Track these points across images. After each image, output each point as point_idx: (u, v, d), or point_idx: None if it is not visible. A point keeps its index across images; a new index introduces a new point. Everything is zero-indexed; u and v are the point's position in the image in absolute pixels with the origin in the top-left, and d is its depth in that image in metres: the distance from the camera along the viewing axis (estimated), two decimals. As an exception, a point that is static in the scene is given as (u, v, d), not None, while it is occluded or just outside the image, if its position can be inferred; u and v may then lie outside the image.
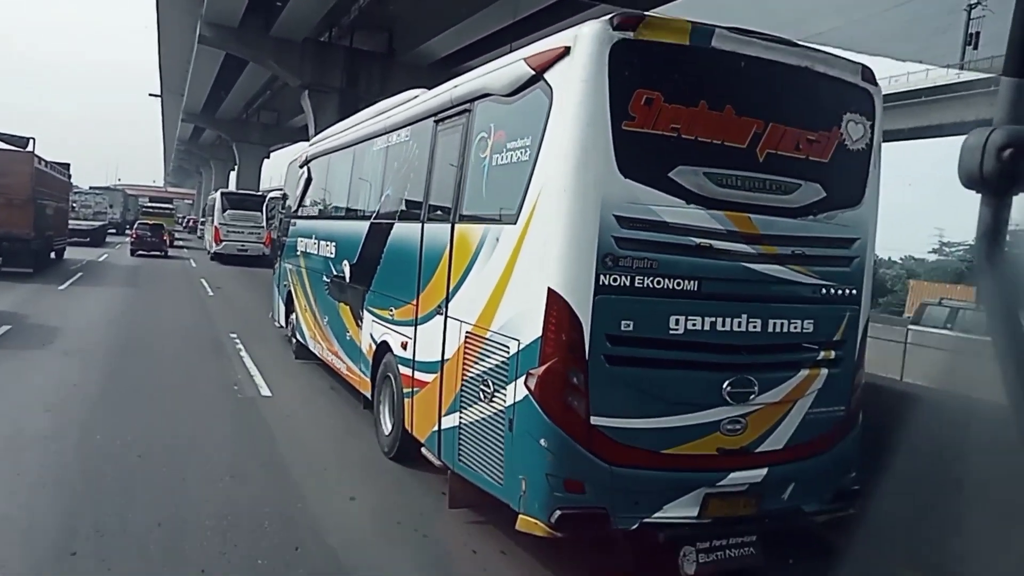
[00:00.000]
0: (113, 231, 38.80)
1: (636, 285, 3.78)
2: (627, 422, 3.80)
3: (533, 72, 4.11)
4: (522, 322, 3.96)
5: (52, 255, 22.10)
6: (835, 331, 4.33)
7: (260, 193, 30.33)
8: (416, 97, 6.17)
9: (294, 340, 10.13)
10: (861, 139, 4.32)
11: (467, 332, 4.58)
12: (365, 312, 6.77)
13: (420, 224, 5.54)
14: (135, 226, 30.12)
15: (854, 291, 4.37)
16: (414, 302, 5.51)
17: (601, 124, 3.73)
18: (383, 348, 6.24)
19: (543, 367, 3.75)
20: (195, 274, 23.08)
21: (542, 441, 3.76)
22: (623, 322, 3.78)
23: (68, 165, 24.44)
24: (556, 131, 3.87)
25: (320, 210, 9.08)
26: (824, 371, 4.29)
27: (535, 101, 4.10)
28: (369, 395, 6.67)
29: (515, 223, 4.11)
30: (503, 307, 4.19)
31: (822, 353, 4.29)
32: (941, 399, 5.65)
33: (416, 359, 5.46)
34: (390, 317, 6.08)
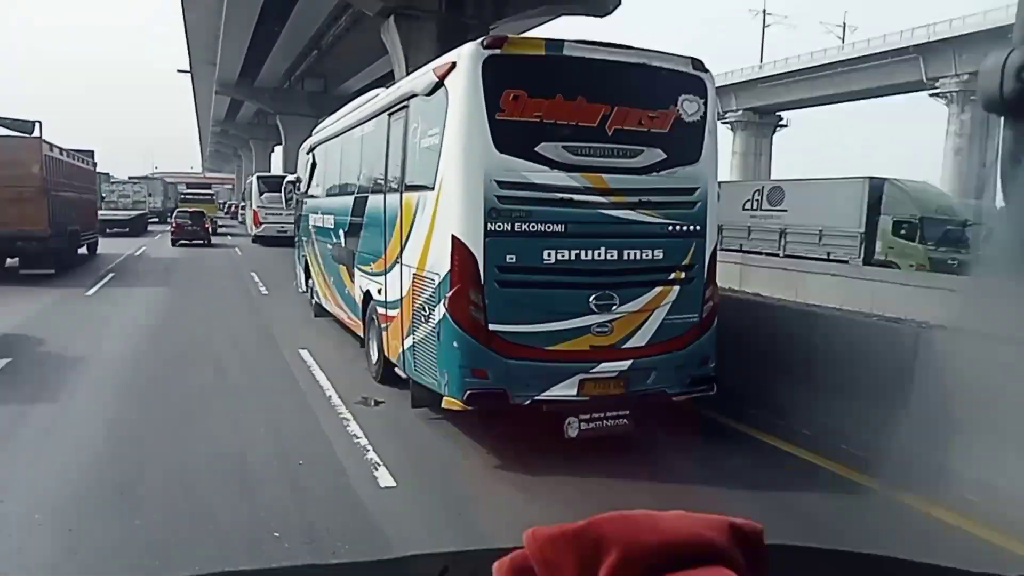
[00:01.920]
0: (155, 220, 39.16)
1: (516, 229, 5.26)
2: (517, 327, 5.31)
3: (438, 79, 5.58)
4: (441, 261, 5.49)
5: (84, 250, 20.75)
6: (684, 257, 5.74)
7: (294, 175, 30.49)
8: (378, 96, 7.68)
9: (313, 301, 11.86)
10: (696, 113, 5.69)
11: (413, 274, 6.13)
12: (356, 270, 8.37)
13: (383, 195, 7.08)
14: (174, 215, 28.94)
15: (698, 227, 5.77)
16: (383, 257, 7.07)
17: (479, 115, 5.19)
18: (368, 296, 7.84)
19: (452, 291, 5.29)
20: (243, 265, 21.26)
21: (455, 343, 5.31)
22: (507, 256, 5.27)
23: (92, 152, 22.93)
24: (452, 121, 5.35)
25: (322, 189, 10.70)
26: (677, 287, 5.72)
27: (440, 100, 5.57)
28: (362, 335, 8.31)
29: (433, 189, 5.61)
30: (431, 252, 5.72)
31: (673, 274, 5.72)
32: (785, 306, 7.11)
33: (387, 300, 7.04)
34: (371, 271, 7.67)
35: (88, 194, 21.70)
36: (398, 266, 6.57)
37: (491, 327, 5.29)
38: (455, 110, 5.30)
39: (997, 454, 4.56)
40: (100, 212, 25.96)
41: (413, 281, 6.12)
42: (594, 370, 5.50)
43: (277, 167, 48.76)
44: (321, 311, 11.26)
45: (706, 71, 5.78)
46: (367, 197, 7.85)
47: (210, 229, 28.64)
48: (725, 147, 48.73)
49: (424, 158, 5.96)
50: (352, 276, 8.59)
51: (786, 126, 51.05)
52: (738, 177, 46.85)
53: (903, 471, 4.39)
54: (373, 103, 7.75)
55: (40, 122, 16.33)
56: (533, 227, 5.30)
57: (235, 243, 29.55)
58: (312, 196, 11.52)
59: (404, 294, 6.40)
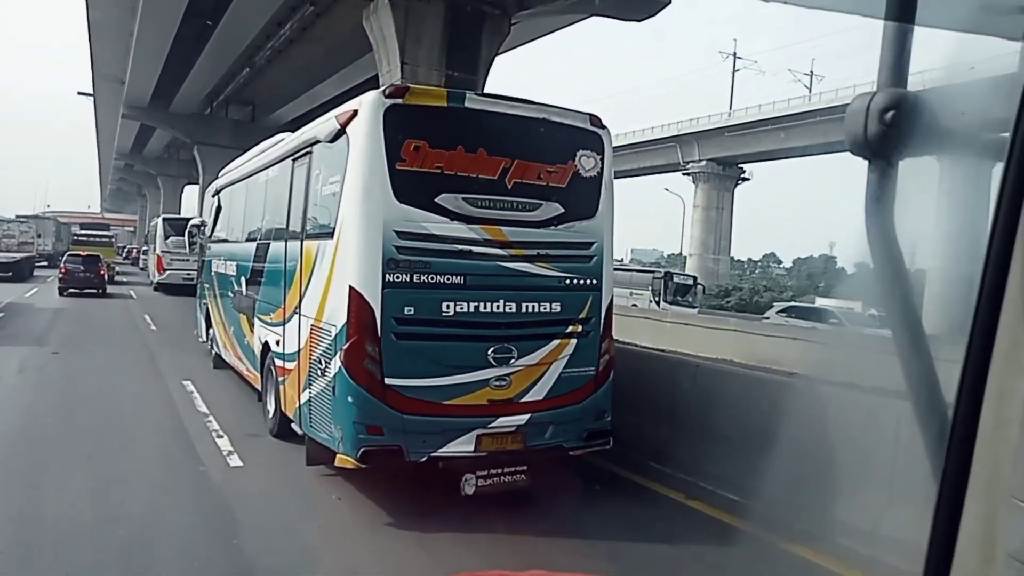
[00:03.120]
0: (44, 263, 35.77)
1: (414, 280, 5.21)
2: (414, 381, 5.21)
3: (339, 126, 5.54)
4: (338, 312, 5.35)
5: None
6: (580, 311, 5.81)
7: (198, 219, 27.65)
8: (282, 140, 7.56)
9: (212, 351, 11.34)
10: (593, 168, 5.85)
11: (311, 325, 5.95)
12: (256, 319, 8.07)
13: (284, 242, 6.90)
14: (63, 259, 24.64)
15: (595, 280, 5.87)
16: (282, 306, 6.85)
17: (380, 164, 5.16)
18: (266, 347, 7.55)
19: (348, 343, 5.15)
20: (137, 312, 20.02)
21: (350, 398, 5.14)
22: (406, 307, 5.19)
23: None
24: (352, 169, 5.30)
25: (225, 234, 10.36)
26: (574, 341, 5.76)
27: (341, 147, 5.53)
28: (259, 388, 7.97)
29: (332, 238, 5.50)
30: (328, 302, 5.58)
31: (570, 327, 5.77)
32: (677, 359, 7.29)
33: (285, 352, 6.79)
34: (270, 320, 7.41)
35: None
36: (297, 316, 6.37)
37: (387, 381, 5.17)
38: (356, 158, 5.25)
39: (858, 498, 4.75)
40: None
41: (311, 332, 5.94)
42: (492, 425, 5.43)
43: (189, 207, 45.69)
44: (221, 362, 10.78)
45: (603, 127, 5.97)
46: (269, 244, 7.64)
47: (106, 276, 24.95)
48: (687, 200, 49.07)
49: (325, 206, 5.86)
50: (252, 326, 8.28)
51: (748, 179, 48.70)
52: (700, 232, 47.42)
53: (779, 517, 4.52)
54: (279, 147, 7.62)
55: None
56: (432, 278, 5.26)
57: (133, 292, 26.73)
58: (216, 241, 11.14)
59: (302, 346, 6.20)
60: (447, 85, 11.55)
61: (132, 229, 69.16)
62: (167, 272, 26.25)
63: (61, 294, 22.97)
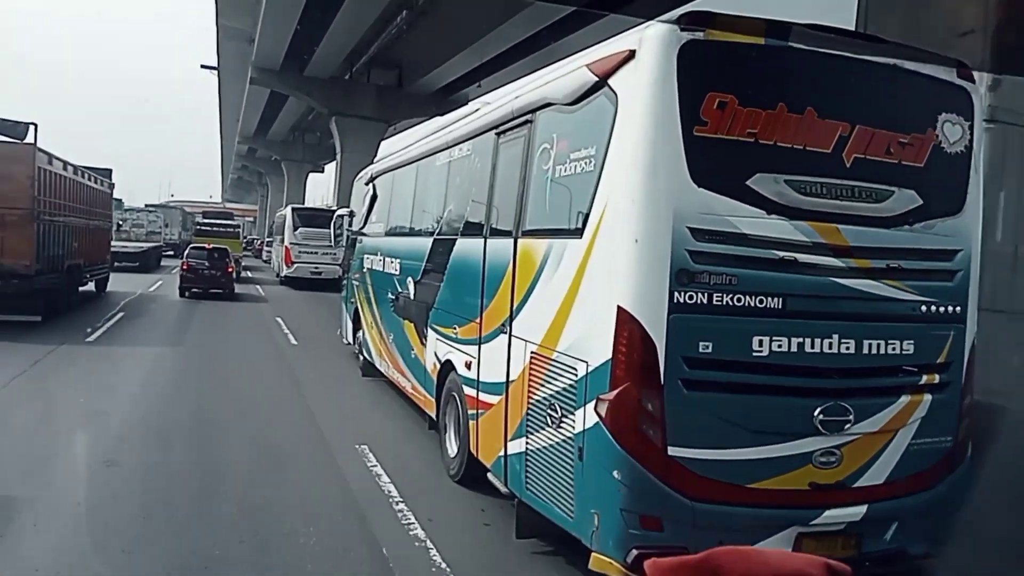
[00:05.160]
0: (170, 253, 34.52)
1: (714, 303, 3.49)
2: (709, 453, 3.50)
3: (596, 78, 3.88)
4: (590, 343, 3.72)
5: (92, 286, 17.69)
6: (939, 353, 3.91)
7: (333, 209, 23.00)
8: (477, 111, 6.02)
9: (361, 357, 10.14)
10: (959, 141, 3.91)
11: (532, 352, 4.37)
12: (429, 330, 6.64)
13: (483, 239, 5.37)
14: (186, 253, 20.40)
15: (958, 308, 3.94)
16: (478, 320, 5.33)
17: (671, 130, 3.46)
18: (447, 367, 6.09)
19: (614, 392, 3.49)
20: (269, 316, 16.80)
21: (615, 473, 3.50)
22: (701, 343, 3.49)
23: (109, 172, 19.16)
24: (623, 139, 3.63)
25: (385, 227, 9.06)
26: (927, 397, 3.87)
27: (599, 108, 3.87)
28: (434, 415, 6.52)
29: (580, 237, 3.88)
30: (570, 326, 3.96)
31: (924, 377, 3.88)
32: None
33: (480, 379, 5.27)
34: (454, 335, 5.93)
35: (100, 221, 18.21)
36: (503, 336, 4.82)
37: (671, 451, 3.48)
38: (632, 121, 3.58)
39: None
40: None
41: (533, 362, 4.35)
42: (815, 520, 3.64)
43: (313, 196, 46.53)
44: (371, 370, 9.53)
45: (973, 81, 4.01)
46: (453, 240, 6.15)
47: (233, 274, 21.00)
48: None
49: (561, 192, 4.24)
50: (423, 337, 6.86)
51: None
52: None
53: None
54: (470, 120, 6.09)
55: (35, 124, 12.06)
56: (739, 301, 3.53)
57: (261, 289, 23.88)
58: (369, 234, 9.89)
59: (513, 376, 4.64)
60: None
61: (252, 219, 68.52)
62: (295, 265, 24.73)
63: (182, 294, 19.31)
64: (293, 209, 26.85)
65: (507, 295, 4.80)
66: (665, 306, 3.44)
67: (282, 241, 26.94)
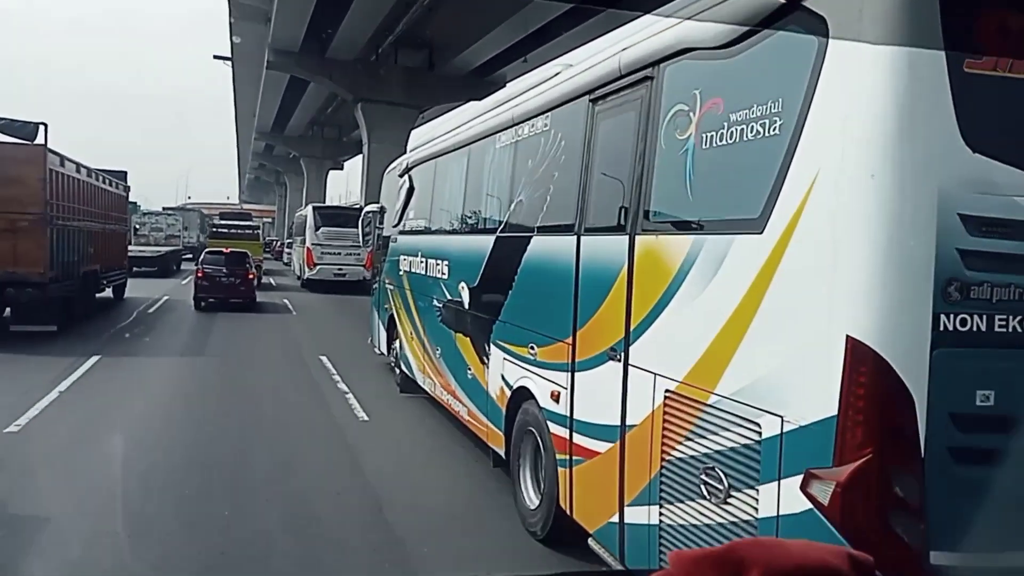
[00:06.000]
0: (189, 256, 32.66)
1: (998, 330, 2.28)
2: (994, 560, 2.29)
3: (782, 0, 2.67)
4: (788, 389, 2.52)
5: (110, 292, 17.12)
6: None
7: (357, 207, 22.62)
8: (557, 74, 4.81)
9: (397, 371, 9.01)
10: None
11: (668, 391, 3.18)
12: (492, 347, 5.47)
13: (575, 237, 4.18)
14: (200, 259, 18.10)
15: None
16: (569, 340, 4.15)
17: (927, 67, 2.25)
18: (521, 395, 4.92)
19: (848, 468, 2.29)
20: (303, 337, 13.86)
21: None
22: (979, 392, 2.28)
23: (124, 174, 18.69)
24: (840, 84, 2.42)
25: (426, 224, 7.89)
26: None
27: (786, 45, 2.67)
28: (502, 452, 5.36)
29: (760, 231, 2.67)
30: (741, 360, 2.76)
31: None
32: None
33: (576, 417, 4.10)
34: (531, 357, 4.75)
35: (116, 225, 17.46)
36: (613, 363, 3.64)
37: (934, 557, 2.27)
38: (856, 57, 2.37)
39: None
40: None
41: (667, 403, 3.17)
42: None
43: (332, 195, 45.15)
44: (411, 386, 8.38)
45: None
46: (527, 238, 4.96)
47: (254, 281, 18.70)
48: None
49: (715, 170, 3.04)
50: (483, 355, 5.69)
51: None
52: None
53: None
54: (546, 88, 4.87)
55: (45, 124, 11.46)
56: (1018, 324, 2.31)
57: (286, 300, 20.09)
58: (406, 232, 8.73)
59: (634, 420, 3.45)
60: None
61: (271, 220, 66.34)
62: (317, 267, 23.40)
63: (198, 306, 16.75)
64: (314, 208, 25.59)
65: (618, 310, 3.62)
66: (927, 337, 2.23)
67: (303, 242, 25.55)
